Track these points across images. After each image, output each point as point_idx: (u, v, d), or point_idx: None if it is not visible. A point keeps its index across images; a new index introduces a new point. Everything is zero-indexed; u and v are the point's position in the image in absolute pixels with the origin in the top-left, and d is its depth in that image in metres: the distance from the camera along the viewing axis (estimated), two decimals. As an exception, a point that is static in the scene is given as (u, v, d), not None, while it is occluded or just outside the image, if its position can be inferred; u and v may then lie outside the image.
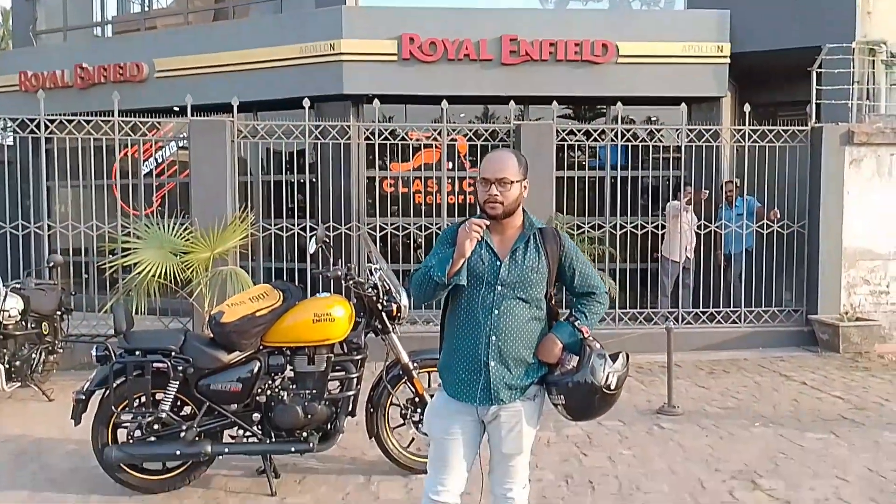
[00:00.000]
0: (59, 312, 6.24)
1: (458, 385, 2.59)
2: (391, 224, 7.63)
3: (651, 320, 7.64)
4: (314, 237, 4.06)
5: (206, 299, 6.69)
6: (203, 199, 7.18)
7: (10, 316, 5.64)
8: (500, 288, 2.55)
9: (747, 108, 7.58)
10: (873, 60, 8.43)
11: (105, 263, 6.78)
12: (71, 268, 7.19)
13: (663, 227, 7.77)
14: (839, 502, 3.67)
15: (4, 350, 5.66)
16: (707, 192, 7.77)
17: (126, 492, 3.87)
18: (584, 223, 7.56)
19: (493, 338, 2.53)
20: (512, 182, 2.54)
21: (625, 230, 7.57)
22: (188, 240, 6.75)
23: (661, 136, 7.96)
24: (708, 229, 7.69)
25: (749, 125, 7.59)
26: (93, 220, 7.08)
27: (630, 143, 7.77)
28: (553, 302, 2.71)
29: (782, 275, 7.77)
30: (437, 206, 8.00)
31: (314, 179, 8.13)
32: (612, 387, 2.53)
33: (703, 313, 7.73)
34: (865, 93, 8.30)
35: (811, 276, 7.79)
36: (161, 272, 6.47)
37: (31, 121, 7.02)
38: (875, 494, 3.78)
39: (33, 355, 5.93)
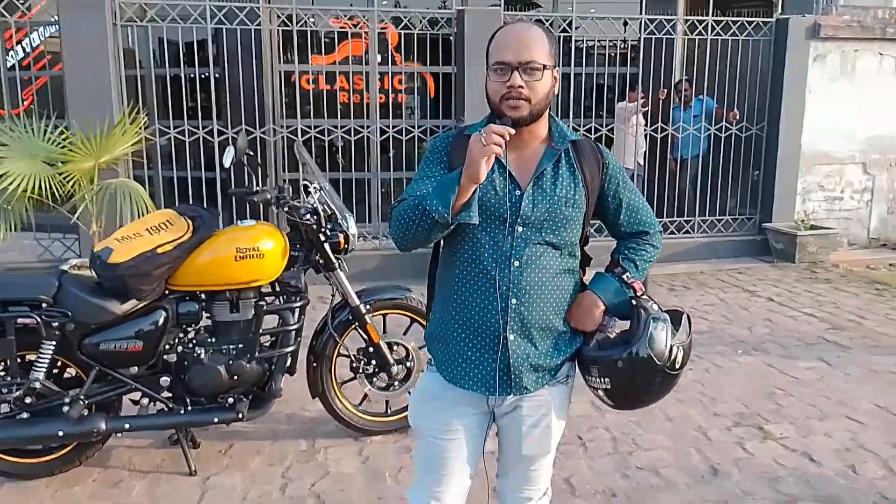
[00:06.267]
0: None
1: (459, 366, 1.80)
2: (314, 127, 6.59)
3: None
4: (232, 146, 3.07)
5: (92, 217, 5.58)
6: (81, 97, 5.87)
7: None
8: (520, 229, 1.74)
9: (712, -4, 6.83)
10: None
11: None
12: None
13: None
14: (861, 451, 3.23)
15: None
16: (665, 90, 7.11)
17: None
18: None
19: (513, 300, 1.74)
20: (543, 67, 1.69)
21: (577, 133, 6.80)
22: (65, 146, 5.53)
23: (617, 29, 7.15)
24: (665, 132, 7.06)
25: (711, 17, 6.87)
26: (-58, 121, 5.70)
27: (584, 36, 6.93)
28: (587, 246, 1.96)
29: (737, 181, 7.30)
30: (365, 107, 6.97)
31: (218, 74, 6.89)
32: (678, 364, 1.81)
33: (656, 223, 7.22)
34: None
35: (767, 181, 7.35)
36: (34, 185, 5.31)
37: None
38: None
39: None
